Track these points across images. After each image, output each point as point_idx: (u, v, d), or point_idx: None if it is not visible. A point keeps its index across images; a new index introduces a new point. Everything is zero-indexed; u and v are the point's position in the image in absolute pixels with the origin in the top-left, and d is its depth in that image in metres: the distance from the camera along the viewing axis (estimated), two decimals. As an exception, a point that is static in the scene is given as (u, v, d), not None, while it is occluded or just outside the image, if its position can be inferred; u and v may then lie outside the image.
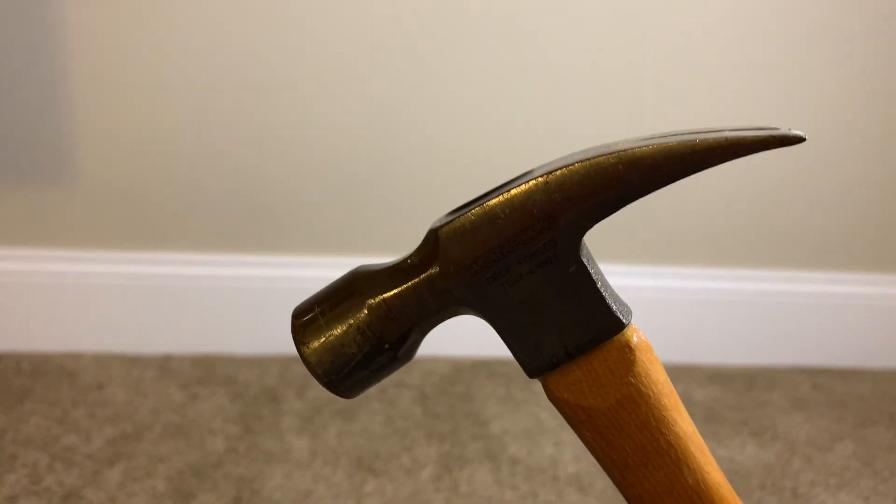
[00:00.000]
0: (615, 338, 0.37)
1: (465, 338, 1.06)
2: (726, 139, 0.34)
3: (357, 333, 0.38)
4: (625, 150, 0.35)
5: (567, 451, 0.87)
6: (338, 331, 0.38)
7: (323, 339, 0.38)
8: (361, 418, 0.91)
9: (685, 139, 0.35)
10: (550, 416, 0.93)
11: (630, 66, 0.96)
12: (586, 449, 0.86)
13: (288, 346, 1.03)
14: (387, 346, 0.38)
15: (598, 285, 0.37)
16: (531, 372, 0.39)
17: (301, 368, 1.01)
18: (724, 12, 0.94)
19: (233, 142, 0.96)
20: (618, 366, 0.37)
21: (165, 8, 0.90)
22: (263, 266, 1.01)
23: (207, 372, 0.99)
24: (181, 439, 0.86)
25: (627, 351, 0.37)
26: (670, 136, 0.36)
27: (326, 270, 1.02)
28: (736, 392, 1.02)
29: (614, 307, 0.37)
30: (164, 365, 1.00)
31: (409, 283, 0.38)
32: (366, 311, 0.38)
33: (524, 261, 0.36)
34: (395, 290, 0.38)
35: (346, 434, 0.89)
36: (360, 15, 0.92)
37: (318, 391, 0.96)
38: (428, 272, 0.38)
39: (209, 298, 1.01)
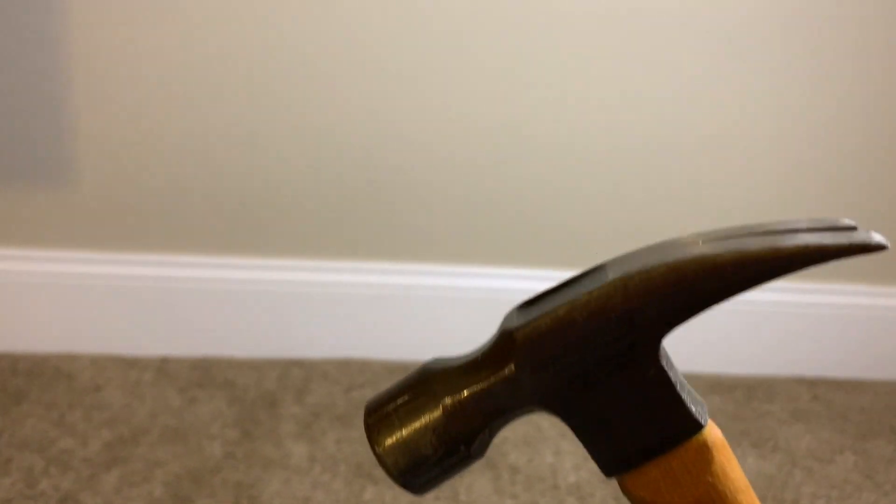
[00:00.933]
0: (693, 437, 0.37)
1: (463, 345, 1.06)
2: (807, 247, 0.35)
3: (432, 435, 0.38)
4: (704, 255, 0.35)
5: (567, 459, 0.87)
6: (412, 431, 0.38)
7: (397, 440, 0.38)
8: (360, 425, 0.91)
9: (766, 245, 0.35)
10: (550, 425, 0.93)
11: (644, 68, 0.96)
12: (587, 458, 0.85)
13: (286, 351, 1.03)
14: (462, 446, 0.38)
15: (677, 388, 0.37)
16: (608, 471, 0.38)
17: (300, 372, 1.00)
18: (727, 11, 0.94)
19: (233, 145, 0.95)
20: (696, 465, 0.37)
21: (166, 11, 0.90)
22: (263, 269, 1.01)
23: (206, 375, 0.99)
24: (179, 444, 0.85)
25: (705, 450, 0.37)
26: (740, 235, 0.36)
27: (325, 275, 1.02)
28: (736, 402, 1.01)
29: (693, 409, 0.37)
30: (162, 367, 1.00)
31: (484, 384, 0.38)
32: (440, 412, 0.38)
33: (602, 364, 0.36)
34: (470, 391, 0.38)
35: (346, 440, 0.88)
36: (352, 21, 0.92)
37: (317, 396, 0.96)
38: (502, 373, 0.37)
39: (208, 301, 1.01)
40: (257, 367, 1.01)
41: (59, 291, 0.99)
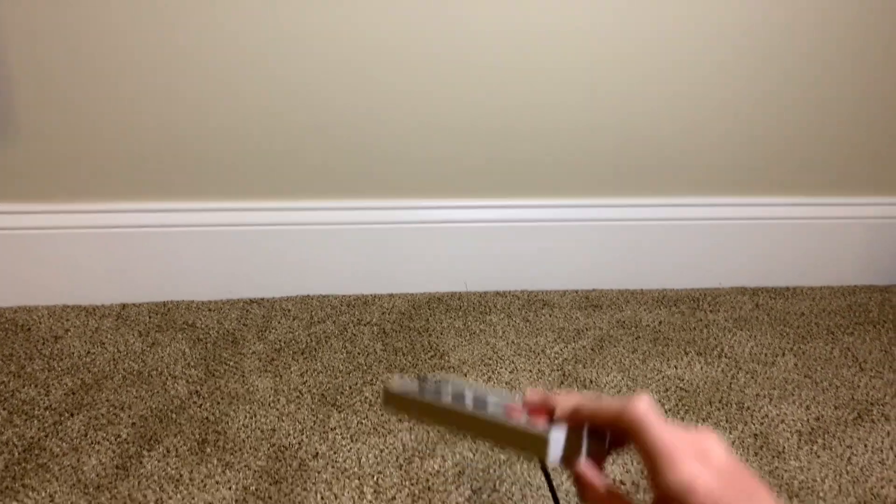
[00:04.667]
0: None
1: (420, 276, 1.08)
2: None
3: None
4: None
5: (523, 377, 0.90)
6: None
7: None
8: (323, 356, 0.93)
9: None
10: (506, 345, 0.96)
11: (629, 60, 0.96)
12: (541, 375, 0.88)
13: (246, 291, 1.04)
14: None
15: None
16: None
17: (260, 311, 1.02)
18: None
19: (180, 85, 0.93)
20: None
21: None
22: (216, 212, 1.01)
23: (166, 319, 0.99)
24: (143, 386, 0.86)
25: None
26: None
27: (280, 214, 1.02)
28: (682, 314, 1.06)
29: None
30: (122, 314, 1.00)
31: None
32: None
33: None
34: None
35: (309, 372, 0.90)
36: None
37: (279, 333, 0.97)
38: None
39: (164, 246, 1.00)
40: (217, 309, 1.02)
41: (10, 245, 0.97)
